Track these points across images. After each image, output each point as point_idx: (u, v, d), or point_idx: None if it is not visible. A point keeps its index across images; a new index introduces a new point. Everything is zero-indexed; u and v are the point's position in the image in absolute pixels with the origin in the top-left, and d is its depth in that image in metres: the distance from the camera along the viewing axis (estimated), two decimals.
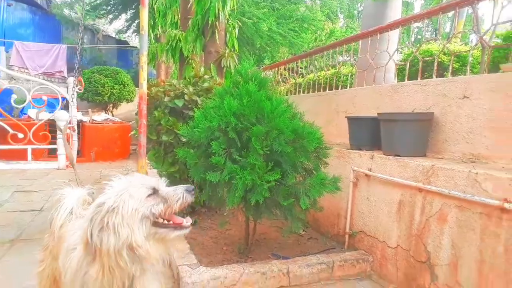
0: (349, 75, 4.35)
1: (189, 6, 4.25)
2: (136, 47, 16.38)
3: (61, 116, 2.91)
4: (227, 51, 4.04)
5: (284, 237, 3.13)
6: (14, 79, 9.57)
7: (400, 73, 4.58)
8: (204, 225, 3.41)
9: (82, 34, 3.85)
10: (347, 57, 4.44)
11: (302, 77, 4.98)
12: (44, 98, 5.15)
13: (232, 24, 4.15)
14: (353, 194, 2.89)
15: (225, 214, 3.74)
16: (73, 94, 3.51)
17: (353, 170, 2.85)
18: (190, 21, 4.20)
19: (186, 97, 3.08)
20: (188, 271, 2.22)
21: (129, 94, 10.37)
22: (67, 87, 3.72)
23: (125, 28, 16.34)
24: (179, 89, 3.13)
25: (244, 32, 9.40)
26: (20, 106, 4.25)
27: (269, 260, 2.53)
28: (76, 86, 3.49)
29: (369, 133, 2.87)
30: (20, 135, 3.31)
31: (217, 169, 2.20)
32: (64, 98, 7.32)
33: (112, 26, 18.12)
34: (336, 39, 11.97)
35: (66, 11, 14.10)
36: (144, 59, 2.97)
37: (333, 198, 2.96)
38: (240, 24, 4.44)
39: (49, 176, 5.83)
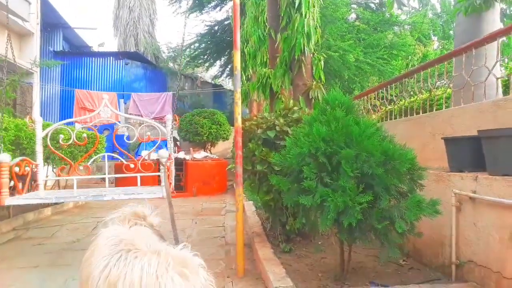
0: (443, 96, 4.13)
1: (276, 45, 4.59)
2: (230, 89, 17.72)
3: (162, 154, 3.36)
4: (314, 83, 4.22)
5: (381, 265, 3.01)
6: (132, 125, 11.11)
7: (506, 88, 4.19)
8: (299, 253, 3.45)
9: (181, 82, 4.44)
10: (441, 81, 4.25)
11: (394, 103, 4.87)
12: (149, 135, 5.93)
13: (318, 57, 4.34)
14: (457, 220, 2.68)
15: (319, 243, 3.75)
16: (171, 129, 4.04)
17: (455, 194, 2.66)
18: (277, 58, 4.52)
19: (277, 128, 3.29)
20: None
21: (225, 133, 11.15)
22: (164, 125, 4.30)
23: (219, 73, 17.89)
24: (271, 121, 3.37)
25: (331, 65, 9.56)
26: (135, 146, 5.01)
27: (366, 286, 2.46)
28: (173, 122, 4.02)
29: (470, 153, 2.68)
30: (132, 166, 3.93)
31: (309, 193, 2.29)
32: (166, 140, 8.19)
33: (208, 73, 19.99)
34: None
35: (170, 64, 16.09)
36: (238, 95, 3.29)
37: (434, 225, 2.78)
38: (326, 57, 4.61)
39: (158, 209, 6.51)
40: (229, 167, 9.64)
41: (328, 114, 2.39)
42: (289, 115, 3.47)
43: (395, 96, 4.81)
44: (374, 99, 5.70)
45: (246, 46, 7.71)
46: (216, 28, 15.20)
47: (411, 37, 11.70)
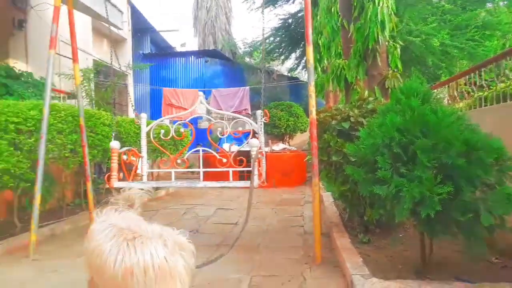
0: None
1: (349, 35, 4.52)
2: (306, 81, 17.65)
3: (252, 143, 3.54)
4: (390, 72, 4.09)
5: (469, 261, 2.86)
6: (213, 119, 11.77)
7: None
8: (378, 244, 3.43)
9: (258, 76, 4.61)
10: None
11: (486, 89, 4.45)
12: (240, 129, 6.28)
13: (394, 45, 4.19)
14: None
15: (400, 235, 3.67)
16: (260, 125, 4.19)
17: None
18: (351, 49, 4.46)
19: (352, 119, 3.29)
20: (361, 280, 2.35)
21: (302, 125, 11.22)
22: (255, 120, 4.45)
23: (295, 66, 17.92)
24: (345, 113, 3.38)
25: (413, 51, 8.98)
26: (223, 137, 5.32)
27: (449, 281, 2.39)
28: (263, 118, 4.16)
29: None
30: (224, 160, 4.18)
31: (384, 183, 2.30)
32: (248, 133, 8.51)
33: (284, 66, 20.13)
34: None
35: (247, 59, 16.57)
36: (312, 88, 3.37)
37: None
38: (402, 44, 4.41)
39: (240, 199, 6.89)
40: (307, 158, 9.72)
41: (402, 103, 2.36)
42: (363, 106, 3.45)
43: (489, 80, 4.39)
44: (465, 85, 5.24)
45: (320, 38, 7.66)
46: (290, 21, 15.24)
47: (509, 13, 10.40)
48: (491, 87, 4.37)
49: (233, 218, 5.18)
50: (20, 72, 5.52)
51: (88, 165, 4.49)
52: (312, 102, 3.30)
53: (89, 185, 4.52)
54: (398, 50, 4.19)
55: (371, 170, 2.47)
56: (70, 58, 4.78)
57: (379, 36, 3.90)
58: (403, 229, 3.77)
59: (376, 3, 3.91)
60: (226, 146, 10.40)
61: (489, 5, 10.70)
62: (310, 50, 3.35)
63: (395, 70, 4.14)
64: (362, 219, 3.70)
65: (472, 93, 5.08)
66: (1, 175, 3.62)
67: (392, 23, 3.97)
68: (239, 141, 10.24)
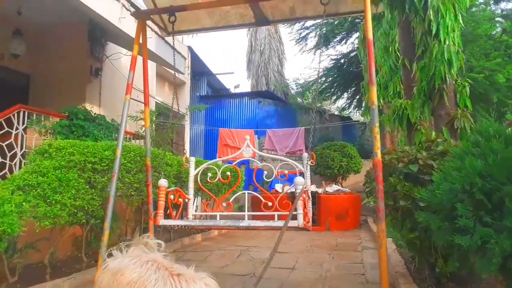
0: None
1: (412, 75, 4.43)
2: (358, 121, 17.37)
3: (298, 181, 3.49)
4: (460, 111, 3.89)
5: None
6: (265, 160, 11.88)
7: None
8: None
9: (315, 117, 4.61)
10: None
11: None
12: (285, 172, 6.26)
13: (462, 83, 4.01)
14: None
15: None
16: (306, 166, 4.15)
17: None
18: (414, 88, 4.35)
19: (420, 161, 3.15)
20: None
21: (356, 166, 10.91)
22: (302, 162, 4.44)
23: (347, 105, 17.83)
24: (412, 155, 3.25)
25: (475, 88, 8.56)
26: (269, 180, 5.31)
27: None
28: (309, 160, 4.12)
29: None
30: (269, 204, 4.12)
31: (465, 233, 2.13)
32: (299, 174, 8.43)
33: (335, 105, 20.11)
34: None
35: (299, 100, 16.81)
36: (376, 130, 3.30)
37: None
38: (471, 82, 4.22)
39: (293, 241, 6.71)
40: (365, 201, 9.34)
41: (482, 146, 2.22)
42: (432, 147, 3.29)
43: None
44: None
45: (376, 77, 7.59)
46: (342, 61, 15.41)
47: None
48: None
49: (289, 262, 5.03)
50: (95, 115, 6.03)
51: (152, 204, 4.66)
52: (377, 143, 3.21)
53: (151, 223, 4.66)
54: (467, 88, 4.00)
55: (448, 218, 2.31)
56: (139, 101, 5.14)
57: (446, 75, 3.77)
58: (483, 283, 3.41)
59: (442, 41, 3.82)
60: (278, 186, 10.38)
61: None
62: (374, 90, 3.32)
63: (465, 109, 3.95)
64: (433, 271, 3.41)
65: None
66: (76, 212, 3.87)
67: (460, 61, 3.84)
68: (291, 182, 10.18)
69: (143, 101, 5.04)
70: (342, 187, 10.24)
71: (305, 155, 4.16)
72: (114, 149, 4.21)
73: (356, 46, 14.09)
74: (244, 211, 4.29)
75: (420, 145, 3.47)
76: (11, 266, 3.61)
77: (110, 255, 1.84)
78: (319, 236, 7.13)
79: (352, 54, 14.66)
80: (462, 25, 4.14)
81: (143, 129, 7.69)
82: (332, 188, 9.32)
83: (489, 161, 2.09)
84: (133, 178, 4.63)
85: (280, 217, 4.03)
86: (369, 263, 4.90)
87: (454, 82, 4.03)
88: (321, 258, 5.31)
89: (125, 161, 4.49)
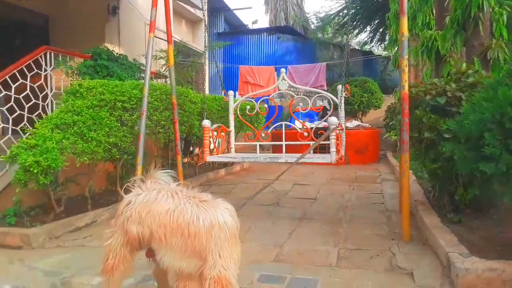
0: None
1: (446, 3, 4.19)
2: (380, 55, 16.75)
3: (331, 121, 3.57)
4: (494, 41, 3.73)
5: None
6: (284, 97, 11.86)
7: None
8: (470, 225, 3.28)
9: (347, 52, 4.51)
10: None
11: None
12: (321, 105, 6.27)
13: (499, 11, 3.79)
14: None
15: (494, 217, 3.46)
16: (341, 99, 4.18)
17: None
18: (447, 18, 4.14)
19: (448, 94, 3.12)
20: (459, 258, 2.30)
21: (376, 101, 10.79)
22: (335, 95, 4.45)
23: (369, 40, 17.09)
24: (441, 87, 3.21)
25: (510, 17, 8.02)
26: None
27: None
28: (343, 92, 4.14)
29: None
30: (306, 134, 4.27)
31: (490, 161, 2.19)
32: (323, 109, 8.43)
33: (356, 40, 19.28)
34: None
35: (319, 35, 16.18)
36: (405, 62, 3.25)
37: None
38: (510, 9, 3.98)
39: (314, 175, 6.95)
40: (386, 135, 9.38)
41: None
42: (462, 79, 3.24)
43: None
44: None
45: None
46: None
47: None
48: None
49: (311, 193, 5.27)
50: (117, 54, 6.06)
51: (179, 140, 4.85)
52: (405, 76, 3.18)
53: (179, 158, 4.88)
54: (504, 16, 3.78)
55: (474, 147, 2.37)
56: (160, 38, 5.10)
57: (484, 2, 3.56)
58: (497, 211, 3.55)
59: None
60: (297, 123, 10.45)
61: None
62: (404, 20, 3.21)
63: (500, 39, 3.77)
64: (452, 199, 3.54)
65: None
66: (110, 148, 4.09)
67: None
68: (310, 117, 10.21)
69: (162, 39, 5.03)
70: (362, 122, 10.24)
71: (340, 87, 4.19)
72: (141, 88, 4.31)
73: None
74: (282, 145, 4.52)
75: (449, 77, 3.40)
76: (55, 198, 3.94)
77: (126, 190, 2.07)
78: (339, 170, 7.33)
79: None
80: None
81: (164, 68, 7.74)
82: (352, 123, 9.34)
83: None
84: (160, 116, 4.77)
85: (303, 147, 4.26)
86: (388, 193, 5.09)
87: (491, 10, 3.80)
88: (342, 189, 5.53)
89: (152, 99, 4.61)
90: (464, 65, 3.45)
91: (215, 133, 4.25)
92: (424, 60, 4.64)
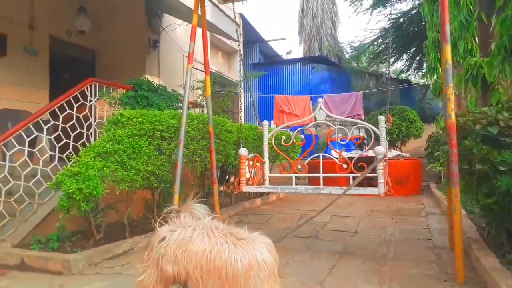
0: None
1: (490, 29, 4.03)
2: (418, 83, 16.37)
3: (379, 150, 3.45)
4: None
5: None
6: (319, 126, 11.75)
7: None
8: None
9: (389, 81, 4.42)
10: None
11: None
12: (359, 135, 6.14)
13: None
14: None
15: None
16: (382, 130, 4.05)
17: None
18: (492, 44, 3.96)
19: (501, 123, 2.92)
20: None
21: (416, 130, 10.42)
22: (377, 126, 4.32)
23: (405, 68, 16.82)
24: (492, 116, 3.01)
25: None
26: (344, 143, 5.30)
27: None
28: (386, 123, 4.00)
29: None
30: (345, 166, 4.13)
31: None
32: (357, 139, 8.21)
33: (392, 68, 19.03)
34: None
35: (354, 64, 16.13)
36: (450, 90, 3.11)
37: None
38: None
39: (353, 206, 6.69)
40: (429, 166, 8.97)
41: None
42: None
43: None
44: None
45: None
46: (401, 20, 14.40)
47: None
48: None
49: (351, 226, 5.04)
50: (157, 85, 6.29)
51: (215, 169, 4.86)
52: (451, 105, 3.03)
53: (215, 187, 4.86)
54: None
55: None
56: (198, 69, 5.25)
57: None
58: None
59: None
60: (334, 153, 10.26)
61: None
62: (448, 48, 3.10)
63: None
64: (510, 237, 3.24)
65: None
66: (148, 176, 4.15)
67: None
68: (347, 147, 9.97)
69: (199, 70, 5.19)
70: (402, 152, 9.88)
71: (382, 117, 4.05)
72: (179, 118, 4.40)
73: (418, 2, 13.06)
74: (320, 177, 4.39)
75: (499, 105, 3.20)
76: (95, 224, 4.01)
77: (160, 223, 2.01)
78: (379, 201, 7.02)
79: (413, 12, 13.62)
80: None
81: (201, 97, 7.93)
82: (392, 153, 9.03)
83: None
84: (197, 145, 4.82)
85: (347, 180, 4.09)
86: (435, 228, 4.76)
87: None
88: (384, 222, 5.25)
89: (189, 129, 4.68)
90: None
91: (251, 162, 4.22)
92: (469, 88, 4.42)
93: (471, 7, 5.68)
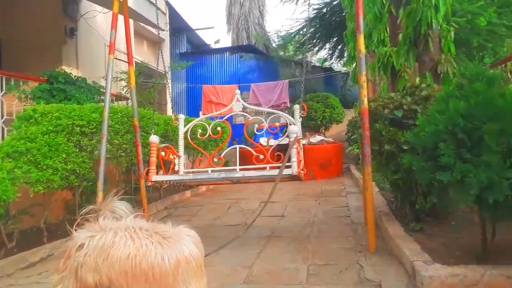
0: None
1: (398, 21, 4.43)
2: (340, 71, 17.37)
3: (292, 130, 3.58)
4: (443, 56, 3.97)
5: None
6: (248, 115, 11.90)
7: None
8: (430, 232, 3.37)
9: (306, 70, 4.61)
10: None
11: None
12: (276, 124, 6.27)
13: (447, 28, 4.06)
14: None
15: (452, 223, 3.60)
16: (299, 119, 4.21)
17: None
18: (400, 35, 4.37)
19: (405, 107, 3.26)
20: (423, 266, 2.36)
21: (338, 116, 11.08)
22: (292, 113, 4.46)
23: (328, 57, 17.69)
24: (397, 101, 3.35)
25: (456, 33, 8.60)
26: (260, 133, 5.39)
27: None
28: (300, 112, 4.18)
29: None
30: (261, 156, 4.20)
31: (446, 170, 2.28)
32: (283, 126, 8.51)
33: (316, 57, 19.90)
34: None
35: (281, 52, 16.54)
36: (363, 78, 3.37)
37: None
38: (457, 27, 4.26)
39: (281, 192, 6.95)
40: (348, 149, 9.60)
41: (465, 88, 2.32)
42: (416, 93, 3.40)
43: None
44: None
45: None
46: (324, 10, 15.02)
47: None
48: None
49: (278, 210, 5.26)
50: (75, 77, 5.87)
51: (142, 163, 4.70)
52: (364, 92, 3.30)
53: (142, 182, 4.71)
54: (452, 33, 4.05)
55: (431, 158, 2.46)
56: (122, 60, 5.01)
57: (433, 20, 3.80)
58: (456, 217, 3.70)
59: None
60: (262, 140, 10.52)
61: None
62: (361, 39, 3.35)
63: (448, 54, 4.02)
64: (413, 208, 3.65)
65: None
66: (68, 175, 3.90)
67: (447, 6, 3.85)
68: (276, 136, 10.30)
69: (122, 61, 4.95)
70: (325, 137, 10.46)
71: (297, 106, 4.20)
72: (101, 111, 4.16)
73: None
74: (234, 165, 4.36)
75: (404, 91, 3.56)
76: (6, 232, 3.66)
77: (79, 224, 1.86)
78: (304, 185, 7.38)
79: (334, 3, 14.29)
80: None
81: (125, 89, 7.57)
82: (316, 138, 9.52)
83: (471, 103, 2.21)
84: (121, 139, 4.63)
85: (272, 169, 4.15)
86: (353, 206, 5.18)
87: (439, 27, 4.06)
88: (309, 204, 5.56)
89: (113, 123, 4.47)
90: (417, 79, 3.64)
91: (162, 153, 4.02)
92: (381, 75, 4.84)
93: (383, 1, 6.14)
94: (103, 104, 4.14)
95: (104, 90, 6.35)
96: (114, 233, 1.65)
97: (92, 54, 7.78)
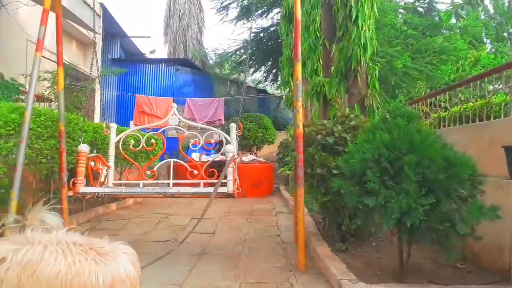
0: (503, 105, 4.15)
1: (332, 54, 4.81)
2: (273, 94, 18.02)
3: (228, 149, 3.65)
4: (369, 91, 4.40)
5: (438, 267, 3.14)
6: (181, 129, 11.71)
7: None
8: (354, 252, 3.65)
9: (244, 89, 4.76)
10: (499, 85, 4.23)
11: (445, 111, 4.92)
12: (212, 141, 6.25)
13: (373, 66, 4.52)
14: None
15: (373, 244, 3.91)
16: (236, 137, 4.28)
17: None
18: (332, 68, 4.74)
19: (336, 134, 3.52)
20: (349, 284, 2.52)
21: (270, 137, 11.43)
22: (227, 131, 4.53)
23: (263, 79, 18.30)
24: (329, 128, 3.60)
25: (378, 71, 9.60)
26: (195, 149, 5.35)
27: (427, 285, 2.63)
28: (236, 130, 4.27)
29: None
30: (195, 172, 4.19)
31: (371, 195, 2.51)
32: (217, 143, 8.50)
33: (251, 78, 20.45)
34: (483, 67, 11.00)
35: (217, 70, 16.69)
36: (299, 104, 3.56)
37: (493, 232, 2.88)
38: (381, 66, 4.76)
39: (212, 208, 6.90)
40: (280, 170, 9.87)
41: (390, 122, 2.60)
42: (346, 122, 3.69)
43: (445, 102, 4.86)
44: (422, 104, 5.76)
45: None
46: (261, 34, 15.60)
47: (462, 40, 11.39)
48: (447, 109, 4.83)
49: (210, 227, 5.22)
50: None
51: (65, 171, 4.36)
52: (300, 117, 3.48)
53: (64, 192, 4.36)
54: (377, 71, 4.52)
55: (358, 183, 2.68)
56: (49, 59, 4.65)
57: (362, 58, 4.21)
58: (377, 238, 4.03)
59: (360, 27, 4.22)
60: (195, 155, 10.41)
61: (446, 31, 11.65)
62: (298, 66, 3.56)
63: (373, 89, 4.46)
64: (339, 229, 3.91)
65: (432, 113, 5.56)
66: None
67: (374, 46, 4.30)
68: (208, 152, 10.27)
69: (48, 59, 4.60)
70: (257, 157, 10.70)
71: (233, 125, 4.27)
72: (21, 112, 3.81)
73: (276, 21, 14.38)
74: (164, 179, 4.27)
75: (335, 119, 3.85)
76: None
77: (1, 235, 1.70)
78: (235, 203, 7.44)
79: (271, 29, 14.93)
80: (377, 14, 4.60)
81: (48, 90, 7.00)
82: (248, 157, 9.69)
83: (394, 135, 2.47)
84: (43, 144, 4.25)
85: (206, 185, 4.14)
86: (283, 225, 5.35)
87: (366, 65, 4.50)
88: (240, 223, 5.61)
89: (35, 126, 4.10)
90: (347, 109, 3.95)
91: (92, 163, 3.83)
92: (313, 102, 5.16)
93: (318, 33, 6.62)
94: (23, 104, 3.78)
95: (23, 89, 5.83)
96: (43, 247, 1.51)
97: (11, 48, 7.09)
